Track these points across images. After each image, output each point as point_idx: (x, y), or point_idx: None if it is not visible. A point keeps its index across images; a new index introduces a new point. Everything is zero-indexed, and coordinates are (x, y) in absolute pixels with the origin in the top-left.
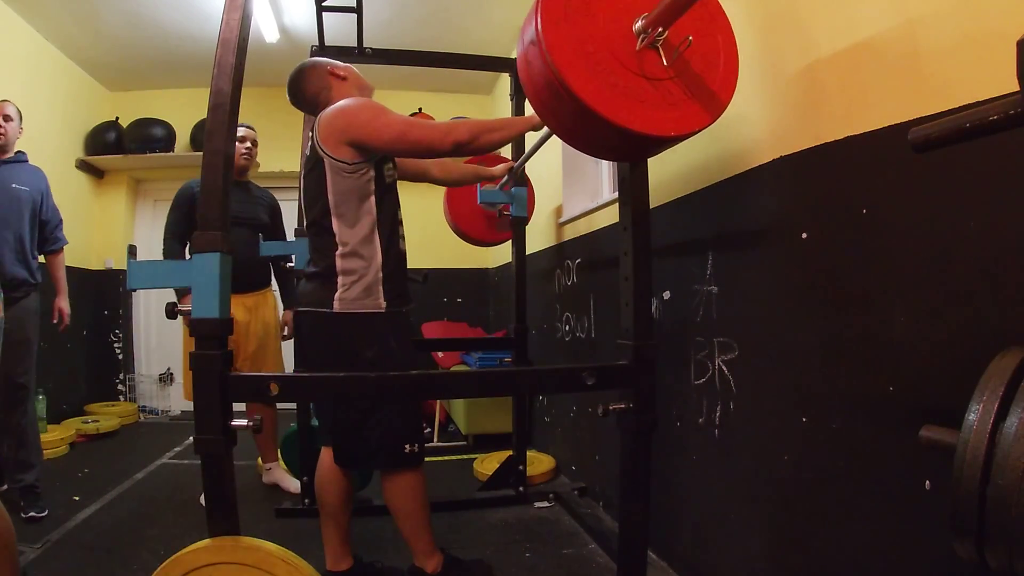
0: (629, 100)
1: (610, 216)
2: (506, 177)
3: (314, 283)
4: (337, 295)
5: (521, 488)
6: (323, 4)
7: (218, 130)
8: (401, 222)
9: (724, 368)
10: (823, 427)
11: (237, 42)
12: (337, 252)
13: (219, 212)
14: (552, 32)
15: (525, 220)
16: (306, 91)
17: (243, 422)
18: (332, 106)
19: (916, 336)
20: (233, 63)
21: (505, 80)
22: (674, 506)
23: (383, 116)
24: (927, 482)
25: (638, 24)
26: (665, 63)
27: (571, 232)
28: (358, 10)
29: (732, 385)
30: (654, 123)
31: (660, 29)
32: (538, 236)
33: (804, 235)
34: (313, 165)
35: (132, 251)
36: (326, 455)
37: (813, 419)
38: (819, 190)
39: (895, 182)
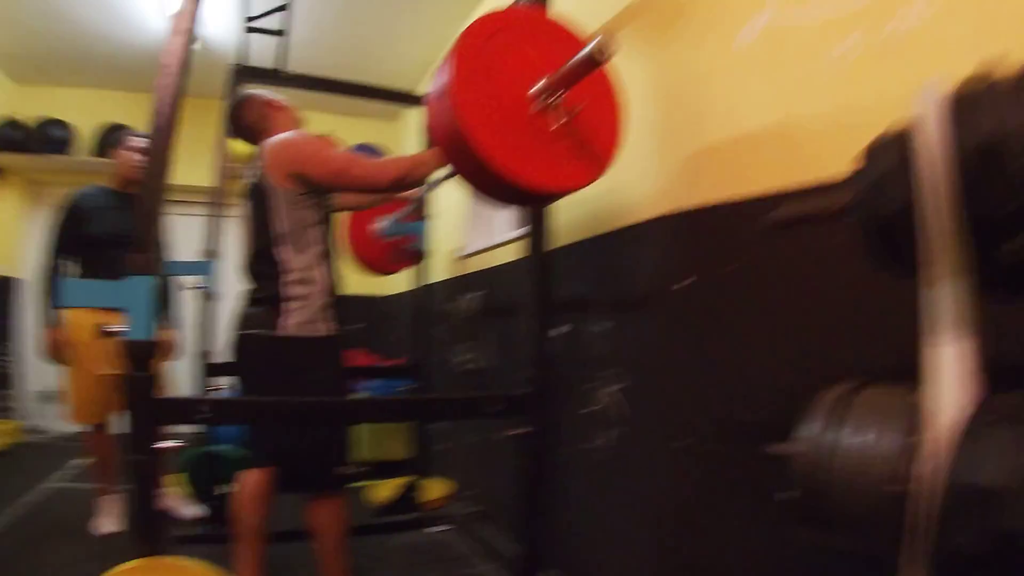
0: (523, 158)
1: (511, 252)
2: (407, 210)
3: (260, 307)
4: (285, 319)
5: (419, 513)
6: (250, 25)
7: (158, 154)
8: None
9: (615, 397)
10: (700, 449)
11: (179, 67)
12: (285, 278)
13: (153, 234)
14: (461, 92)
15: (427, 252)
16: (245, 121)
17: (170, 443)
18: (277, 138)
19: (772, 371)
20: (175, 88)
21: (409, 111)
22: (570, 525)
23: (326, 151)
24: (782, 490)
25: (536, 89)
26: (557, 126)
27: (471, 265)
28: (283, 34)
29: (622, 413)
30: (544, 179)
31: (554, 95)
32: (439, 267)
33: (685, 282)
34: (258, 194)
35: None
36: (252, 477)
37: (692, 442)
38: (699, 244)
39: (759, 242)
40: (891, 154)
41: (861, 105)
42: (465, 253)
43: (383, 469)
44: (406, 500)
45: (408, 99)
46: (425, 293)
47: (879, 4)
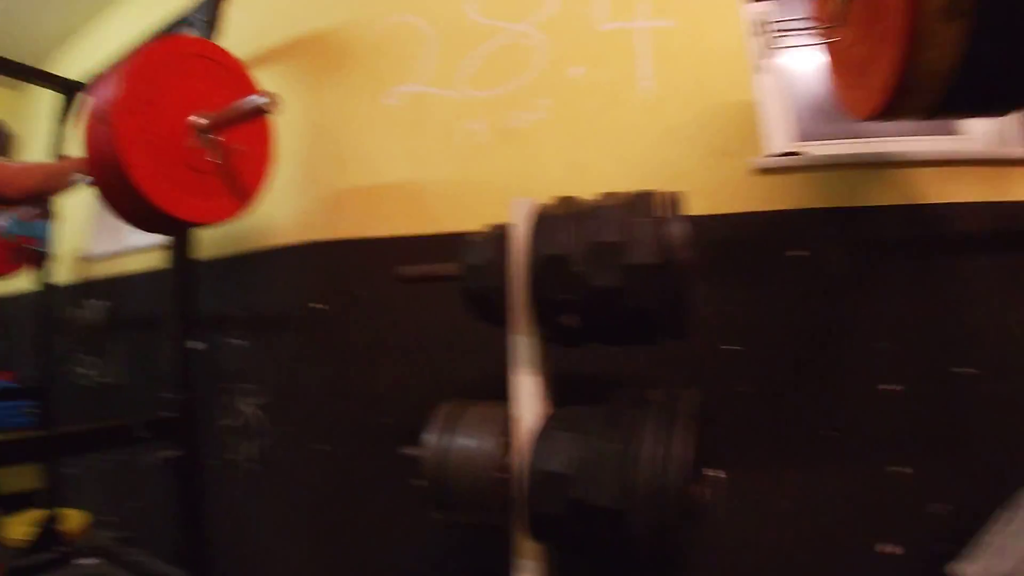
0: (177, 189)
1: (144, 261)
2: (30, 209)
3: None
4: None
5: (63, 547)
6: None
7: None
8: None
9: (256, 411)
10: (341, 452)
11: None
12: None
13: None
14: (123, 120)
15: (50, 255)
16: None
17: None
18: None
19: (399, 384)
20: None
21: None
22: (227, 537)
23: None
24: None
25: (197, 123)
26: (212, 161)
27: (98, 270)
28: None
29: (264, 425)
30: (194, 211)
31: (214, 133)
32: (62, 270)
33: (320, 305)
34: None
35: None
36: None
37: (334, 447)
38: (334, 272)
39: (385, 276)
40: (490, 248)
41: (480, 177)
42: (91, 256)
43: (10, 502)
44: (46, 535)
45: (41, 76)
46: (43, 298)
47: (503, 100)
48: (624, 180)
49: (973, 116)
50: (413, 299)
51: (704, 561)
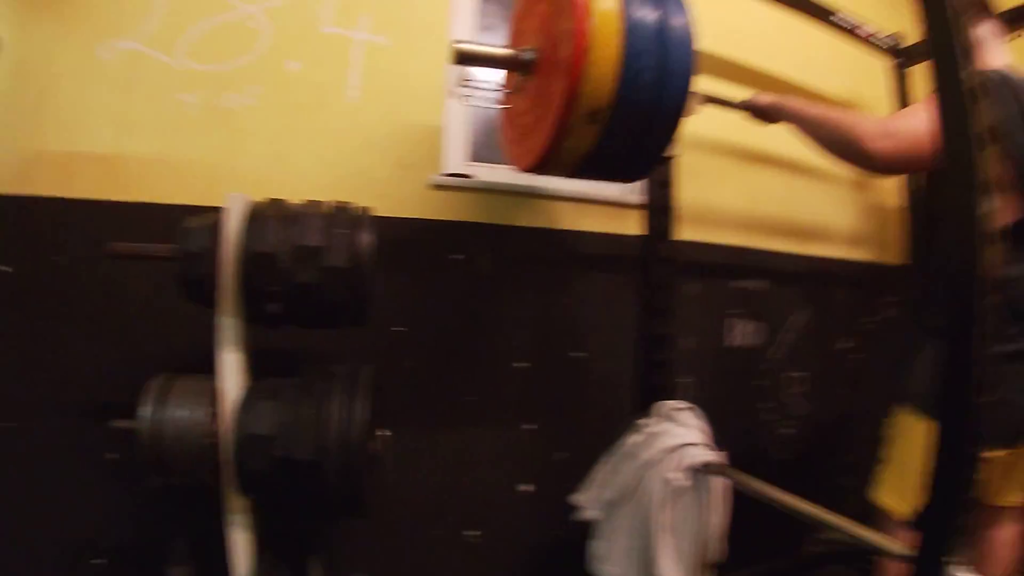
0: None
1: None
2: None
3: None
4: None
5: None
6: None
7: None
8: None
9: None
10: (29, 429)
11: None
12: None
13: None
14: None
15: None
16: None
17: None
18: None
19: (98, 358)
20: None
21: None
22: None
23: None
24: (112, 454)
25: None
26: None
27: None
28: None
29: None
30: None
31: None
32: None
33: (6, 267)
34: None
35: None
36: None
37: (21, 423)
38: (24, 231)
39: (85, 241)
40: (205, 238)
41: (187, 152)
42: None
43: None
44: None
45: None
46: None
47: (219, 78)
48: (321, 178)
49: (600, 180)
50: (116, 269)
51: (384, 503)
